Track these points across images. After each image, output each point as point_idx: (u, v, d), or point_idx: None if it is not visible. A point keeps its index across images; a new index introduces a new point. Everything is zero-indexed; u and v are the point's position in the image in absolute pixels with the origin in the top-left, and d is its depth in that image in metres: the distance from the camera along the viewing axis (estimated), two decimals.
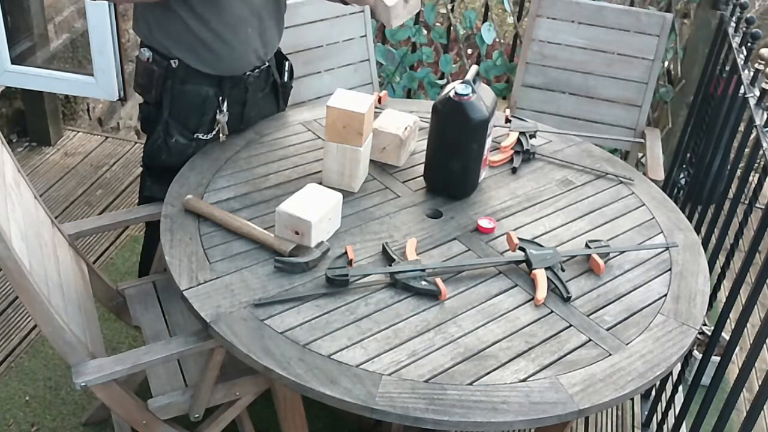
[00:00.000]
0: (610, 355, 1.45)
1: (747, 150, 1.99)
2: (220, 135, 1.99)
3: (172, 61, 1.87)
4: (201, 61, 1.88)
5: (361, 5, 2.04)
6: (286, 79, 2.17)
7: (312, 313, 1.49)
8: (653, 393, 2.37)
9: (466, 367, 1.40)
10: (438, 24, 3.57)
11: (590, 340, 1.48)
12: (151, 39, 1.89)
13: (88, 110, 3.90)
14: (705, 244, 2.09)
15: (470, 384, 1.36)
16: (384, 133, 1.95)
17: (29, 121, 3.50)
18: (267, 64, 2.05)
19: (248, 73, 1.99)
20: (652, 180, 2.14)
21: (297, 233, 1.63)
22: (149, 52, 1.89)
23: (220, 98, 1.94)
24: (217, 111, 1.95)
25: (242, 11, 1.88)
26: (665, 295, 1.62)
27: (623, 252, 1.74)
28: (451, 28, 3.37)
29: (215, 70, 1.91)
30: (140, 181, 2.11)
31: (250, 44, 1.94)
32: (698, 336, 1.64)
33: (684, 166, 2.98)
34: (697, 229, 2.26)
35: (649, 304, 1.59)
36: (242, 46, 1.93)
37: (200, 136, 1.96)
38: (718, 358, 1.84)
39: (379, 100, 2.25)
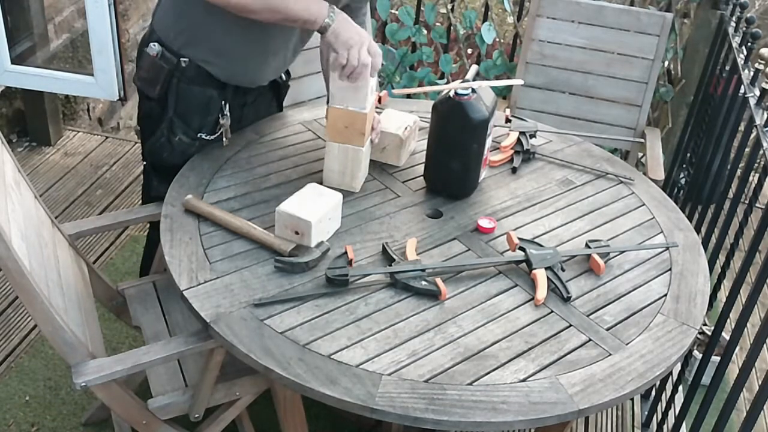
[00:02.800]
0: (610, 355, 1.45)
1: (747, 150, 1.99)
2: (224, 138, 1.98)
3: (182, 60, 1.85)
4: (219, 69, 1.88)
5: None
6: (284, 78, 2.17)
7: (312, 313, 1.49)
8: (653, 393, 2.37)
9: (465, 367, 1.40)
10: (438, 24, 3.57)
11: (590, 340, 1.48)
12: (170, 36, 1.85)
13: (88, 110, 3.90)
14: (705, 243, 2.09)
15: (470, 384, 1.36)
16: (384, 133, 1.95)
17: (29, 121, 3.50)
18: None
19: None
20: (652, 180, 2.14)
21: (297, 233, 1.63)
22: (159, 47, 1.86)
23: (223, 102, 1.94)
24: (220, 115, 1.95)
25: (278, 44, 1.90)
26: (665, 295, 1.62)
27: (623, 252, 1.74)
28: (451, 27, 3.37)
29: (227, 79, 1.91)
30: (144, 181, 2.09)
31: (268, 71, 1.98)
32: (698, 336, 1.64)
33: (684, 165, 2.98)
34: (697, 229, 2.27)
35: (649, 304, 1.59)
36: (261, 70, 1.96)
37: (203, 136, 1.96)
38: (718, 358, 1.84)
39: (379, 100, 2.25)
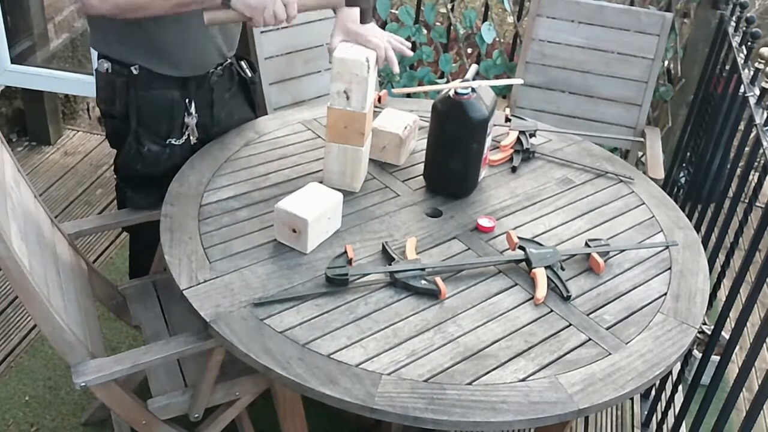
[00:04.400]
0: (610, 354, 1.45)
1: (747, 149, 1.99)
2: (191, 138, 1.95)
3: (132, 68, 1.82)
4: (162, 64, 1.84)
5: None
6: (249, 74, 2.11)
7: (311, 312, 1.49)
8: (653, 392, 2.37)
9: (465, 366, 1.40)
10: (438, 23, 3.56)
11: (590, 339, 1.48)
12: (108, 49, 1.84)
13: (87, 109, 3.90)
14: (705, 242, 2.09)
15: (470, 384, 1.36)
16: (384, 133, 1.95)
17: (29, 121, 3.50)
18: (229, 60, 2.01)
19: (212, 70, 1.95)
20: (652, 179, 2.14)
21: (294, 231, 1.63)
22: (107, 63, 1.84)
23: (187, 100, 1.91)
24: (185, 114, 1.92)
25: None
26: (665, 294, 1.62)
27: (623, 251, 1.74)
28: (451, 27, 3.37)
29: (177, 71, 1.87)
30: (117, 195, 2.03)
31: (211, 42, 1.91)
32: (698, 335, 1.64)
33: (684, 164, 2.98)
34: (697, 228, 2.26)
35: (649, 303, 1.59)
36: (204, 44, 1.89)
37: (173, 142, 1.93)
38: (718, 358, 1.84)
39: (379, 100, 2.25)
